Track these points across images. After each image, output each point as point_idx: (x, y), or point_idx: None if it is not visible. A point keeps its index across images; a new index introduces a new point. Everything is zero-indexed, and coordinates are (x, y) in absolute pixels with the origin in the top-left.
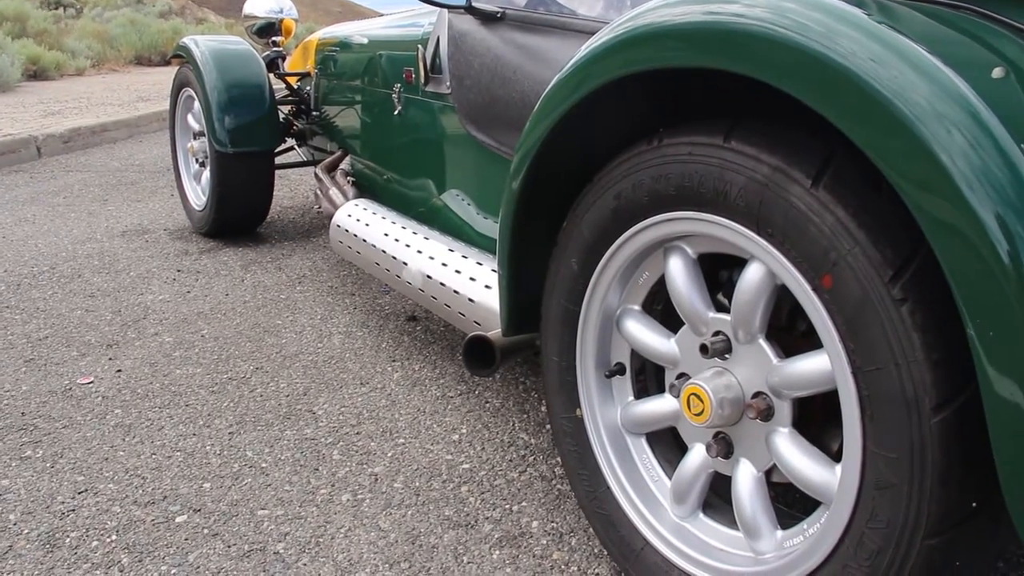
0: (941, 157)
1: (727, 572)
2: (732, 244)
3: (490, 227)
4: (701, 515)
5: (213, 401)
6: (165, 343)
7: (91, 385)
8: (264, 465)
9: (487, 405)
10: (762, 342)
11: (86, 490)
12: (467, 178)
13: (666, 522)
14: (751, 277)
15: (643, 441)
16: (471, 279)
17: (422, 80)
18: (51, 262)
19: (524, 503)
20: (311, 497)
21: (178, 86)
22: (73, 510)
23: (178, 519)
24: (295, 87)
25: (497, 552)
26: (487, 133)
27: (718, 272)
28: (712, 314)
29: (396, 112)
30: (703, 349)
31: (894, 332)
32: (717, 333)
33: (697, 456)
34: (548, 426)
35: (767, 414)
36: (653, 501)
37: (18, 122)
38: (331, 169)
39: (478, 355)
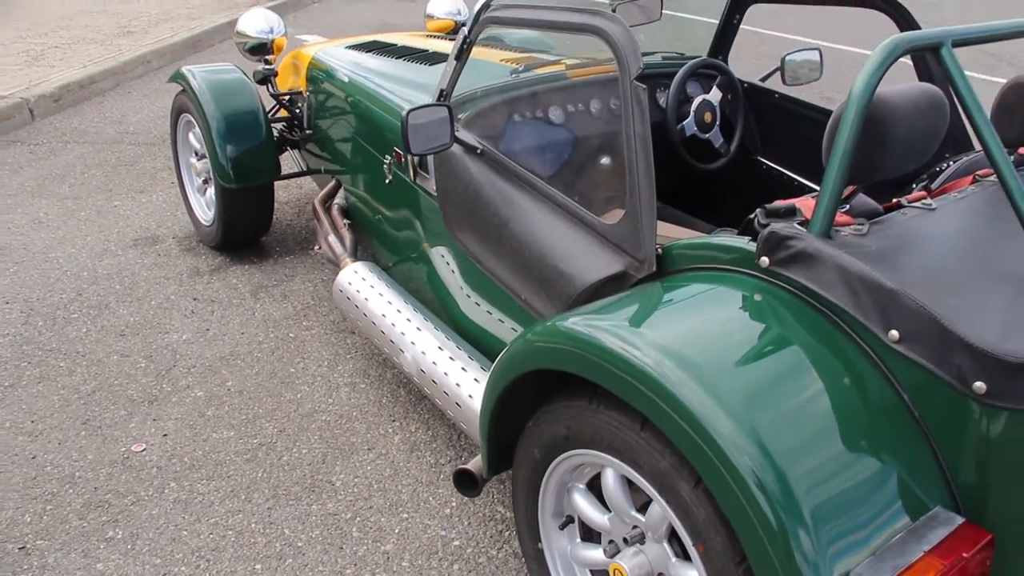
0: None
1: None
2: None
3: (472, 310)
4: None
5: (249, 471)
6: (198, 399)
7: (144, 454)
8: (300, 544)
9: None
10: (665, 544)
11: (165, 574)
12: (452, 267)
13: None
14: (656, 511)
15: (587, 571)
16: (457, 384)
17: (411, 173)
18: (76, 285)
19: None
20: None
21: (177, 111)
22: None
23: None
24: (286, 102)
25: None
26: (469, 249)
27: None
28: (633, 512)
29: (387, 181)
30: (625, 541)
31: None
32: (636, 526)
33: None
34: None
35: None
36: None
37: (3, 74)
38: (327, 200)
39: (465, 480)
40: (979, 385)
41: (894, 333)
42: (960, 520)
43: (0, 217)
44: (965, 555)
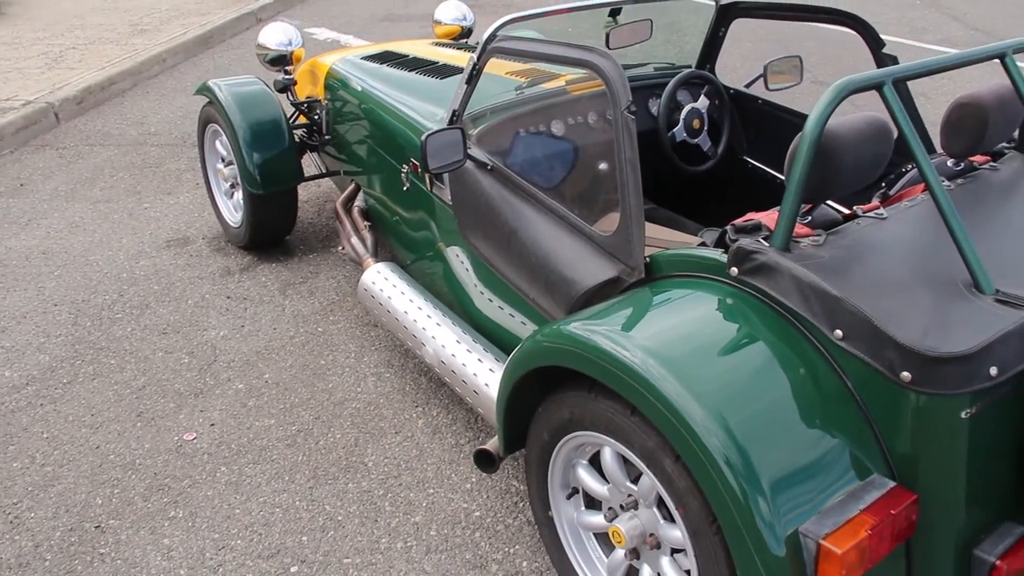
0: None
1: None
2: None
3: (486, 306)
4: None
5: (290, 455)
6: (239, 391)
7: (195, 442)
8: (340, 518)
9: None
10: (655, 509)
11: (223, 547)
12: (467, 267)
13: None
14: (646, 482)
15: (591, 534)
16: (474, 374)
17: (427, 184)
18: (117, 287)
19: (517, 546)
20: (376, 545)
21: (204, 121)
22: (221, 565)
23: (292, 570)
24: (305, 109)
25: None
26: (482, 253)
27: None
28: (628, 483)
29: (405, 188)
30: (622, 507)
31: (712, 549)
32: (630, 495)
33: (619, 554)
34: None
35: (657, 546)
36: (597, 573)
37: (26, 77)
38: (348, 203)
39: (484, 458)
40: (905, 375)
41: (839, 332)
42: (892, 484)
43: (39, 222)
44: (892, 512)
